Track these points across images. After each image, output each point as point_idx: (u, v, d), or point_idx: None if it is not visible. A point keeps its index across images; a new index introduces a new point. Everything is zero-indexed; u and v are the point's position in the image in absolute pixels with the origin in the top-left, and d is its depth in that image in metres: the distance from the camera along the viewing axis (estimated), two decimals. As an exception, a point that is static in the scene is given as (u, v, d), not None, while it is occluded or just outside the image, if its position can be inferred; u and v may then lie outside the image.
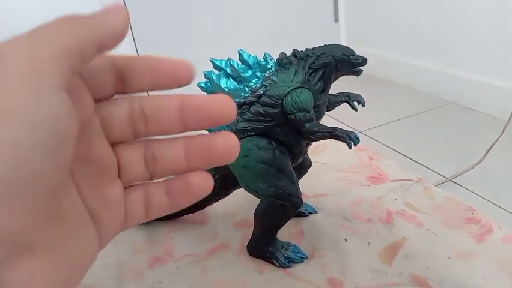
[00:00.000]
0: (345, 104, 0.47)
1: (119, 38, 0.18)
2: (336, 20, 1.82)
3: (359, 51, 0.43)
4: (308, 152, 0.47)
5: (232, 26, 1.68)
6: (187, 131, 0.21)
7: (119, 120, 0.20)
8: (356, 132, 1.22)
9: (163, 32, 1.60)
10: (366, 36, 1.71)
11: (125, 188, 0.21)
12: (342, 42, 1.83)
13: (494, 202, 0.93)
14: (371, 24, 1.68)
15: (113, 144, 0.20)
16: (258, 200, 0.43)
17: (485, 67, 1.30)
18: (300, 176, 0.49)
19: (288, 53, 0.43)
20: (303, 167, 0.49)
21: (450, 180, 1.01)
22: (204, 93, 0.44)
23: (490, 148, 1.04)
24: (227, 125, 0.43)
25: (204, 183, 0.21)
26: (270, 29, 1.71)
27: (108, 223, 0.19)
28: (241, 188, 0.46)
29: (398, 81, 1.62)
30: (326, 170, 0.59)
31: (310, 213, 0.51)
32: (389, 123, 1.32)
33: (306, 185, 0.54)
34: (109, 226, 0.20)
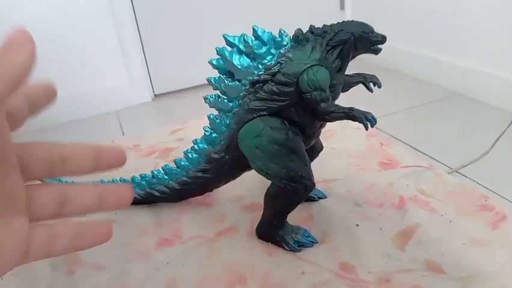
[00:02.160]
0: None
1: (25, 74, 0.19)
2: (342, 7, 1.79)
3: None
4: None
5: (236, 12, 1.65)
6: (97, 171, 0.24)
7: (37, 160, 0.22)
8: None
9: (167, 18, 1.58)
10: (373, 25, 1.69)
11: (32, 223, 0.22)
12: (348, 31, 1.81)
13: (500, 193, 0.92)
14: (377, 13, 1.66)
15: (27, 181, 0.22)
16: (266, 183, 0.42)
17: (493, 59, 1.29)
18: (312, 159, 0.48)
19: (304, 30, 0.41)
20: (315, 150, 0.48)
21: (456, 171, 1.01)
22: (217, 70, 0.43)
23: (497, 140, 1.03)
24: (239, 105, 0.42)
25: (108, 232, 0.24)
26: (275, 16, 1.69)
27: (7, 253, 0.20)
28: (250, 171, 0.45)
29: (404, 71, 1.60)
30: (336, 155, 0.58)
31: (320, 198, 0.50)
32: (395, 113, 1.31)
33: (315, 169, 0.53)
34: (7, 256, 0.20)
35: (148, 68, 1.63)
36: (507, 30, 1.22)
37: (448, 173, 0.98)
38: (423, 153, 1.09)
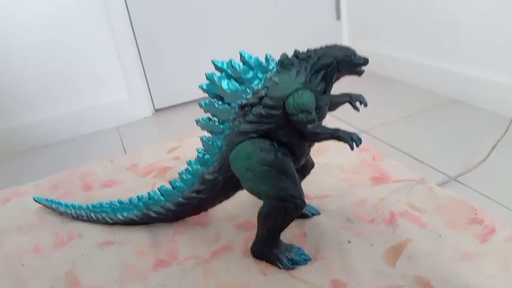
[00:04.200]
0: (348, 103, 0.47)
1: None
2: (338, 17, 1.81)
3: (361, 48, 0.43)
4: (311, 153, 0.47)
5: (234, 24, 1.68)
6: None
7: None
8: (359, 131, 1.21)
9: (165, 32, 1.60)
10: (368, 34, 1.70)
11: None
12: (345, 39, 1.82)
13: (499, 201, 0.92)
14: (373, 22, 1.67)
15: None
16: (260, 202, 0.43)
17: (490, 65, 1.29)
18: (303, 177, 0.49)
19: (290, 54, 0.42)
20: (306, 168, 0.49)
21: (454, 179, 1.01)
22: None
23: (494, 146, 1.04)
24: (229, 128, 0.43)
25: None
26: (272, 27, 1.71)
27: None
28: (243, 190, 0.46)
29: (401, 79, 1.61)
30: (329, 170, 0.59)
31: (313, 214, 0.51)
32: (392, 121, 1.32)
33: (309, 186, 0.54)
34: None
35: (147, 83, 1.65)
36: (504, 35, 1.23)
37: (446, 182, 0.99)
38: (422, 162, 1.09)
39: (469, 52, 1.35)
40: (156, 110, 1.70)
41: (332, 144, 0.65)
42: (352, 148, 0.38)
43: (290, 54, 0.42)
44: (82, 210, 0.55)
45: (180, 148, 0.73)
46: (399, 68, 1.61)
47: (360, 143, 0.38)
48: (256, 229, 0.44)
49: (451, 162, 1.06)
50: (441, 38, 1.44)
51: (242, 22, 1.69)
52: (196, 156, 0.47)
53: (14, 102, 1.44)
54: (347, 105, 0.47)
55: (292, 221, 0.43)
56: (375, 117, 1.31)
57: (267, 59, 0.42)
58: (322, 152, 0.64)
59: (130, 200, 0.52)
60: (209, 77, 0.43)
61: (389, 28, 1.62)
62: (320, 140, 0.41)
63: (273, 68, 0.42)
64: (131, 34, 1.54)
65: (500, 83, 1.26)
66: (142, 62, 1.61)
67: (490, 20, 1.26)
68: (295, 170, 0.43)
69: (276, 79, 0.41)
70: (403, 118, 1.34)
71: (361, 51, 0.42)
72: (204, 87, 0.44)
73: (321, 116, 0.42)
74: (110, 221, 0.54)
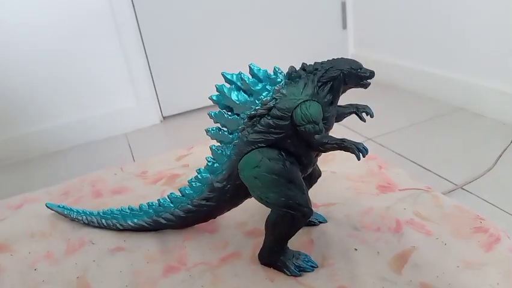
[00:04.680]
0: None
1: None
2: (344, 26, 1.83)
3: (367, 57, 0.44)
4: (318, 162, 0.48)
5: (242, 33, 1.70)
6: None
7: None
8: (365, 139, 1.21)
9: (174, 41, 1.62)
10: (374, 43, 1.71)
11: None
12: (350, 48, 1.83)
13: (505, 209, 0.92)
14: (379, 31, 1.69)
15: None
16: (268, 209, 0.44)
17: (496, 73, 1.30)
18: (310, 186, 0.50)
19: (297, 67, 0.44)
20: (313, 177, 0.50)
21: (461, 187, 1.01)
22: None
23: (501, 155, 1.04)
24: (238, 137, 0.44)
25: None
26: (280, 36, 1.73)
27: None
28: (252, 198, 0.47)
29: (407, 87, 1.62)
30: (336, 179, 0.60)
31: (320, 222, 0.52)
32: (399, 129, 1.33)
33: (316, 194, 0.55)
34: None
35: (156, 91, 1.67)
36: (508, 43, 1.24)
37: (453, 190, 0.99)
38: (428, 170, 1.09)
39: (475, 60, 1.36)
40: (164, 118, 1.72)
41: (338, 153, 0.66)
42: (359, 158, 0.39)
43: (298, 66, 0.44)
44: (93, 217, 0.56)
45: (189, 156, 0.74)
46: (404, 77, 1.62)
47: (367, 153, 0.39)
48: (264, 236, 0.46)
49: (458, 171, 1.06)
50: (446, 47, 1.44)
51: (249, 31, 1.71)
52: (205, 164, 0.49)
53: (25, 110, 1.47)
54: (354, 115, 0.48)
55: (300, 228, 0.44)
56: (382, 125, 1.32)
57: (275, 72, 0.43)
58: (329, 161, 0.64)
59: (140, 207, 0.53)
60: (219, 89, 0.44)
61: (394, 37, 1.63)
62: (326, 150, 0.42)
63: (281, 80, 0.43)
64: (139, 42, 1.57)
65: (506, 92, 1.27)
66: (150, 69, 1.63)
67: (495, 29, 1.27)
68: (303, 178, 0.44)
69: (284, 91, 0.42)
70: (409, 126, 1.34)
71: (366, 59, 0.43)
72: (214, 98, 0.45)
73: (328, 127, 0.44)
74: (121, 227, 0.55)
